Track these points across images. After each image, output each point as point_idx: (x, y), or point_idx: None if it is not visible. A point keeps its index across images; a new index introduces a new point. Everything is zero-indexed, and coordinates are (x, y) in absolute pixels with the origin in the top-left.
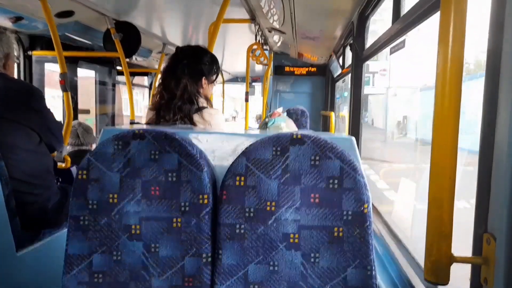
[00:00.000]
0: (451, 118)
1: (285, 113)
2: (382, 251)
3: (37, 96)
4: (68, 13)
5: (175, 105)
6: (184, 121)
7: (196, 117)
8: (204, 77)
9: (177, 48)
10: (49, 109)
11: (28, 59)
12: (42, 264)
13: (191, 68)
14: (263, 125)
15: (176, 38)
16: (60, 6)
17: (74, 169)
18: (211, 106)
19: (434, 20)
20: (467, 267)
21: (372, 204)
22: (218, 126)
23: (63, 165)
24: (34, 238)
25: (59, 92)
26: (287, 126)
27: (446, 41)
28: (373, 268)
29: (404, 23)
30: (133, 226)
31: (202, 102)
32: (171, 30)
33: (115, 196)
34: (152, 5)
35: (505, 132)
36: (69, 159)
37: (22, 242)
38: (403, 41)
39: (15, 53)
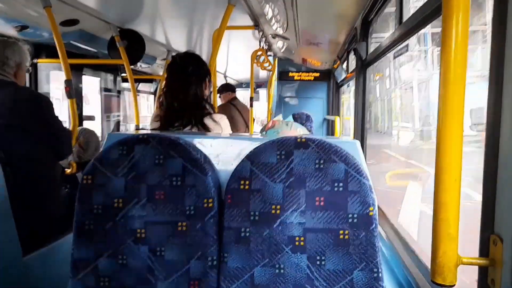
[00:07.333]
0: (455, 121)
1: (291, 117)
2: (389, 254)
3: (45, 104)
4: (72, 22)
5: (189, 113)
6: (198, 127)
7: (207, 121)
8: (204, 81)
9: (176, 56)
10: (57, 117)
11: (33, 67)
12: (48, 269)
13: (197, 74)
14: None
15: (180, 45)
16: (65, 15)
17: (80, 175)
18: (214, 110)
19: None
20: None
21: (378, 207)
22: (226, 128)
23: (69, 170)
24: (41, 243)
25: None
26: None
27: (449, 46)
28: (380, 270)
29: (407, 27)
30: (138, 230)
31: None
32: (175, 37)
33: (120, 200)
34: (156, 13)
35: (509, 133)
36: (74, 164)
37: (29, 247)
38: (406, 46)
39: (27, 64)
